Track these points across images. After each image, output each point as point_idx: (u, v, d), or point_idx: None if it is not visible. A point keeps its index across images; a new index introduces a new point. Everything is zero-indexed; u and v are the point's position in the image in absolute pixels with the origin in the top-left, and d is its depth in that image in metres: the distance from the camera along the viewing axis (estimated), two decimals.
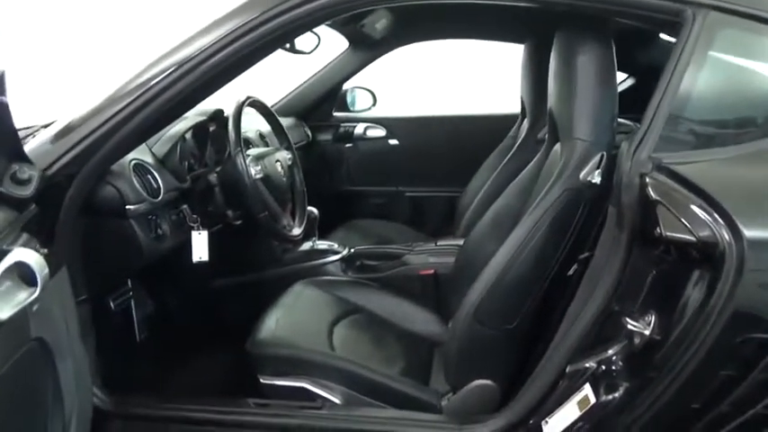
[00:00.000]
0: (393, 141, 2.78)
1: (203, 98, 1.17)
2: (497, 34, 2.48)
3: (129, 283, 1.51)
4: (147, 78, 1.03)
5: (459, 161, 2.50)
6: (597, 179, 1.09)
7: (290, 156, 1.88)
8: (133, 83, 1.04)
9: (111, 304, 1.43)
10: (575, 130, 1.14)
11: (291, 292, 1.67)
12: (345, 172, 2.83)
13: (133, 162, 1.35)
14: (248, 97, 1.68)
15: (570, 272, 1.21)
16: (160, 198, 1.39)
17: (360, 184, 2.84)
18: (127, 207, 1.27)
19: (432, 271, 1.87)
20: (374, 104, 2.89)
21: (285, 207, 1.78)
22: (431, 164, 2.72)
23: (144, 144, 1.44)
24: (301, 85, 2.72)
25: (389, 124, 2.78)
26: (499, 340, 1.21)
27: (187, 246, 1.50)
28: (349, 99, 2.85)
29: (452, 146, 2.67)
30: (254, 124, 2.11)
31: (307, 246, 2.06)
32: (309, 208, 2.02)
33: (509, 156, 2.10)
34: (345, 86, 2.79)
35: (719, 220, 0.78)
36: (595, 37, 1.13)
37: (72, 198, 1.02)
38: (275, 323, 1.45)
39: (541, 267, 1.16)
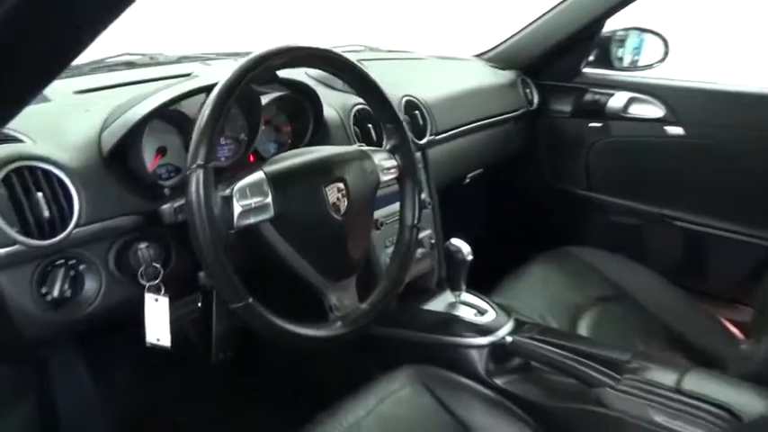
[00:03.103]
0: (675, 130, 1.60)
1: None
2: None
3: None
4: None
5: None
6: None
7: (391, 163, 0.93)
8: None
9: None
10: None
11: (389, 390, 0.98)
12: (580, 165, 1.78)
13: (11, 166, 0.70)
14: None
15: None
16: (59, 238, 0.72)
17: (598, 188, 1.77)
18: None
19: None
20: (664, 59, 1.72)
21: (345, 272, 0.92)
22: (742, 183, 1.49)
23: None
24: (535, 21, 1.72)
25: (673, 99, 1.59)
26: None
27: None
28: (615, 48, 1.74)
29: None
30: (334, 98, 1.19)
31: (443, 299, 1.23)
32: (455, 242, 1.15)
33: None
34: (607, 29, 1.69)
35: None
36: None
37: None
38: None
39: None
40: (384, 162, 0.91)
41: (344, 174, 0.83)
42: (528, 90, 1.78)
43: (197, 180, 0.67)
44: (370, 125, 1.16)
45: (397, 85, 1.33)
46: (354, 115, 1.15)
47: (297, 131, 1.07)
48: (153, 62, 1.20)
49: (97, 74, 1.08)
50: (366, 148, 0.91)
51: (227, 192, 0.71)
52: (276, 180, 0.75)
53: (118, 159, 0.81)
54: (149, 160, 0.84)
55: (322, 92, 1.15)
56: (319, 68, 0.88)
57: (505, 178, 1.88)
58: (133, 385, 1.21)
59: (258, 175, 0.75)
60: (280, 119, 1.07)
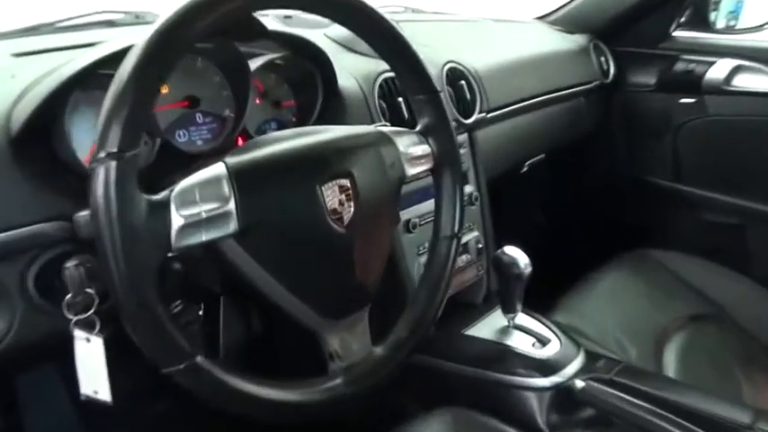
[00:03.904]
0: None
1: None
2: None
3: None
4: None
5: None
6: None
7: (423, 149, 0.66)
8: None
9: None
10: None
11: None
12: (666, 150, 1.45)
13: None
14: None
15: None
16: None
17: (688, 179, 1.44)
18: None
19: None
20: None
21: (350, 306, 0.65)
22: None
23: None
24: None
25: None
26: None
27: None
28: (713, 6, 1.40)
29: None
30: (349, 59, 0.94)
31: (492, 322, 0.97)
32: (510, 251, 0.88)
33: None
34: None
35: None
36: None
37: None
38: None
39: None
40: (412, 149, 0.65)
41: (351, 166, 0.58)
42: (602, 58, 1.46)
43: (105, 178, 0.43)
44: (401, 99, 0.90)
45: (437, 48, 1.05)
46: (380, 86, 0.89)
47: (302, 107, 0.82)
48: (139, 21, 0.97)
49: (63, 33, 0.86)
50: (387, 128, 0.65)
51: (162, 196, 0.46)
52: (244, 176, 0.51)
53: (36, 144, 0.58)
54: (83, 148, 0.61)
55: (339, 55, 0.90)
56: (314, 12, 0.62)
57: (572, 166, 1.57)
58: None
59: (215, 170, 0.50)
60: (279, 90, 0.82)
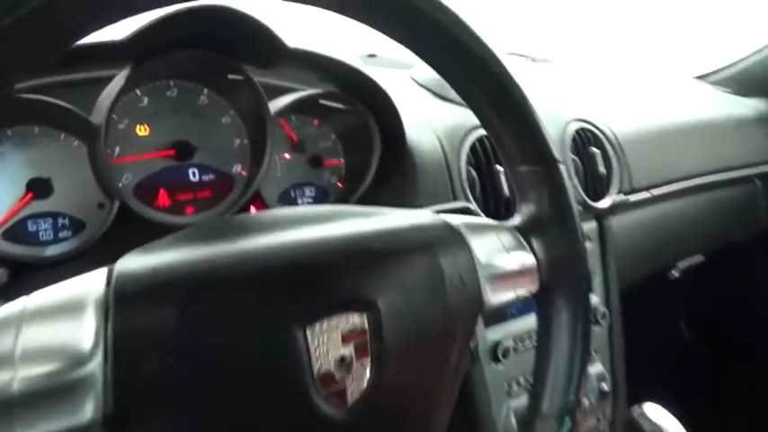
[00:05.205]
0: None
1: None
2: None
3: None
4: None
5: None
6: None
7: (522, 259, 0.37)
8: None
9: None
10: None
11: None
12: None
13: None
14: None
15: None
16: None
17: None
18: None
19: None
20: None
21: None
22: None
23: None
24: None
25: None
26: None
27: None
28: None
29: None
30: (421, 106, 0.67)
31: None
32: (650, 412, 0.54)
33: None
34: None
35: None
36: None
37: None
38: None
39: None
40: (501, 258, 0.36)
41: (376, 290, 0.30)
42: None
43: None
44: (500, 167, 0.62)
45: (561, 99, 0.77)
46: (472, 146, 0.62)
47: (354, 168, 0.57)
48: None
49: None
50: (460, 220, 0.37)
51: None
52: (138, 306, 0.25)
53: None
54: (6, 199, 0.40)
55: (423, 103, 0.64)
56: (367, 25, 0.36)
57: (741, 274, 1.16)
58: None
59: (81, 287, 0.25)
60: (322, 142, 0.57)
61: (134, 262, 0.27)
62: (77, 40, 0.23)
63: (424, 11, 0.31)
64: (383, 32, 0.33)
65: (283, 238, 0.30)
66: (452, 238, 0.35)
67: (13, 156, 0.43)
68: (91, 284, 0.25)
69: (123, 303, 0.25)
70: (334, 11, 0.30)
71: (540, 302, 0.39)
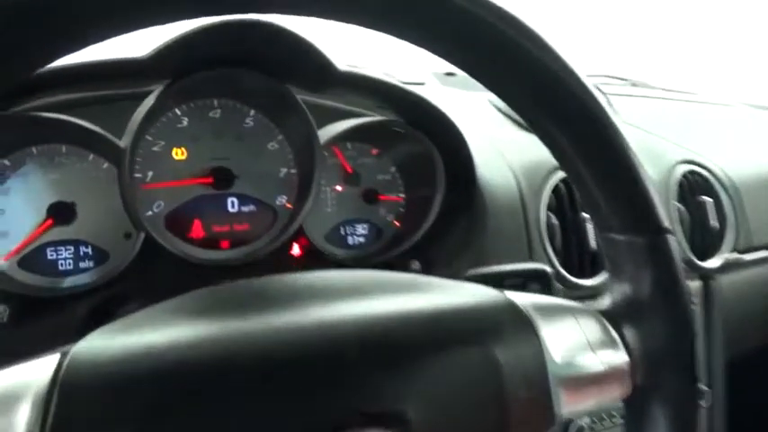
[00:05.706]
0: None
1: None
2: None
3: None
4: None
5: None
6: None
7: (610, 355, 0.27)
8: None
9: None
10: None
11: None
12: None
13: None
14: None
15: None
16: None
17: None
18: None
19: None
20: None
21: None
22: None
23: None
24: None
25: None
26: None
27: None
28: None
29: None
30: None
31: None
32: None
33: None
34: None
35: None
36: None
37: None
38: None
39: None
40: (582, 356, 0.27)
41: (404, 396, 0.23)
42: None
43: None
44: (587, 215, 0.52)
45: (667, 137, 0.66)
46: (555, 189, 0.53)
47: (415, 205, 0.50)
48: None
49: None
50: (529, 299, 0.29)
51: None
52: (71, 403, 0.19)
53: None
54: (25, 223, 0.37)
55: (501, 131, 0.57)
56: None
57: None
58: None
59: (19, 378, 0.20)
60: (380, 175, 0.51)
61: (97, 345, 0.21)
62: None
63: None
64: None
65: (287, 320, 0.23)
66: (517, 326, 0.27)
67: (36, 176, 0.39)
68: (35, 373, 0.20)
69: (68, 402, 0.19)
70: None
71: (630, 408, 0.30)
